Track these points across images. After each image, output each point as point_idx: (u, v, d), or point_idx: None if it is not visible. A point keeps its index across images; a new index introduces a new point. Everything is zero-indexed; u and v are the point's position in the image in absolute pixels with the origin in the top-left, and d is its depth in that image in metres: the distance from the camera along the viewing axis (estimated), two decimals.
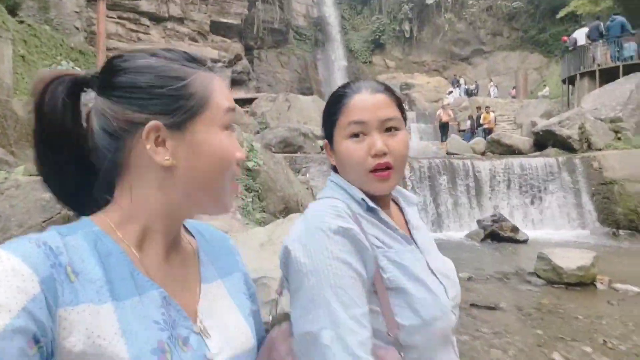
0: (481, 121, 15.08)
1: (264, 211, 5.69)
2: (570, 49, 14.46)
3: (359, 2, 28.34)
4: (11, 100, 7.51)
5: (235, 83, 20.18)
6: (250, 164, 5.99)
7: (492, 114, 15.08)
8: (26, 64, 10.54)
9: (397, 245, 0.87)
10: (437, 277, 0.88)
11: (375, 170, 0.86)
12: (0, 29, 8.44)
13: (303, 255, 0.77)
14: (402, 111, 0.92)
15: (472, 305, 4.52)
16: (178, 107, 0.60)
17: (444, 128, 15.13)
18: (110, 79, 0.60)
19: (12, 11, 13.03)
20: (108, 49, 16.61)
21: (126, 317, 0.54)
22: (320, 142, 11.49)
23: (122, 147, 0.59)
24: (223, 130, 0.63)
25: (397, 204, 1.00)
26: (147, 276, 0.59)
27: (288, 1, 24.99)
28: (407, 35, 26.67)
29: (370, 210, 0.88)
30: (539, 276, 5.41)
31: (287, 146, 9.10)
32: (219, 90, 0.63)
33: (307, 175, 8.57)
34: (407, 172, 9.10)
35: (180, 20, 19.06)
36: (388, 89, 0.92)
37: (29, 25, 11.86)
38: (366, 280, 0.79)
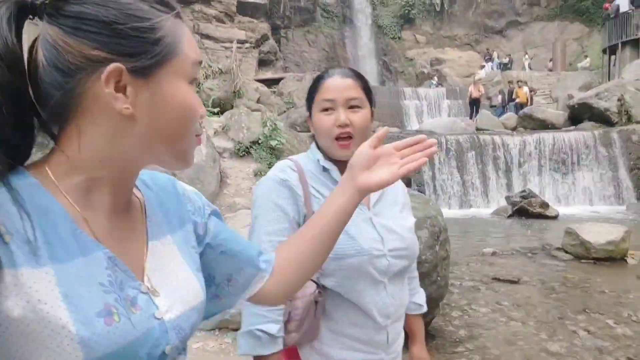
0: (513, 96, 14.56)
1: None
2: (612, 16, 13.64)
3: None
4: None
5: (262, 63, 20.25)
6: (273, 143, 6.10)
7: (525, 88, 14.52)
8: None
9: None
10: (377, 229, 1.11)
11: (338, 138, 1.09)
12: None
13: (256, 196, 1.14)
14: (368, 93, 1.15)
15: (494, 279, 4.51)
16: (144, 51, 0.54)
17: (474, 104, 14.72)
18: (64, 6, 0.53)
19: None
20: None
21: (68, 281, 0.50)
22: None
23: (74, 87, 0.53)
24: (188, 83, 0.59)
25: None
26: (91, 235, 0.55)
27: None
28: (438, 9, 25.79)
29: (324, 170, 1.14)
30: (566, 251, 5.31)
31: None
32: (187, 40, 0.59)
33: None
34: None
35: (207, 2, 19.17)
36: (357, 75, 1.15)
37: None
38: (294, 219, 1.09)
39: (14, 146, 0.53)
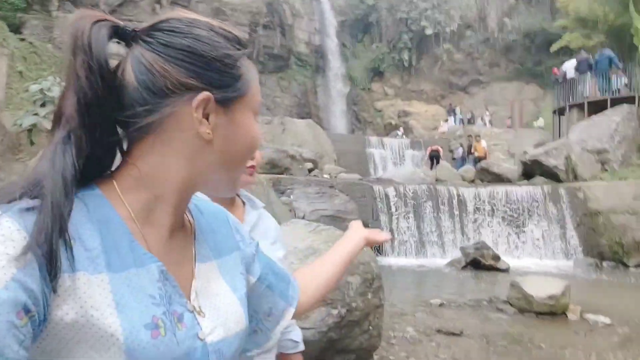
0: (472, 150, 15.17)
1: None
2: (560, 81, 14.68)
3: (360, 31, 29.00)
4: (0, 113, 7.65)
5: None
6: None
7: (483, 143, 15.18)
8: (23, 80, 10.77)
9: None
10: None
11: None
12: None
13: None
14: None
15: (438, 331, 4.46)
16: (230, 85, 0.60)
17: (434, 157, 15.22)
18: (165, 37, 0.58)
19: (17, 30, 13.41)
20: None
21: (121, 290, 0.52)
22: (309, 165, 11.60)
23: (161, 107, 0.57)
24: (255, 117, 0.65)
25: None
26: (146, 248, 0.57)
27: (290, 28, 25.60)
28: (406, 64, 27.14)
29: None
30: (511, 304, 5.34)
31: (274, 167, 9.16)
32: (256, 81, 0.65)
33: (291, 197, 8.59)
34: (392, 197, 9.12)
35: None
36: None
37: (30, 42, 12.17)
38: None
39: (97, 159, 0.57)
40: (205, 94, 0.57)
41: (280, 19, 24.61)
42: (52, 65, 12.61)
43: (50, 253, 0.47)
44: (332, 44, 27.63)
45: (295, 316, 0.83)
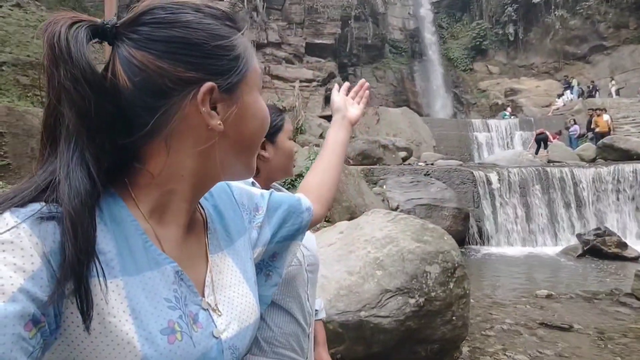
0: (592, 125, 13.41)
1: (328, 220, 5.85)
2: None
3: (457, 9, 27.38)
4: None
5: (328, 100, 20.78)
6: None
7: (605, 116, 13.32)
8: None
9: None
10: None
11: None
12: None
13: None
14: None
15: (541, 324, 4.09)
16: (231, 69, 0.56)
17: (541, 140, 13.79)
18: (152, 31, 0.53)
19: None
20: None
21: (136, 295, 0.50)
22: (402, 154, 11.34)
23: (165, 107, 0.53)
24: (259, 93, 0.62)
25: None
26: (161, 249, 0.55)
27: (383, 17, 25.19)
28: (512, 39, 24.93)
29: (253, 185, 1.23)
30: (637, 297, 4.68)
31: (366, 158, 9.16)
32: (253, 52, 0.61)
33: (385, 186, 8.53)
34: (494, 182, 8.53)
35: (278, 45, 20.41)
36: None
37: None
38: None
39: (108, 166, 0.53)
40: (208, 85, 0.54)
41: (372, 8, 24.34)
42: None
43: (81, 287, 0.45)
44: (428, 27, 26.55)
45: (314, 223, 0.88)
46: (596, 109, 13.85)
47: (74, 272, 0.45)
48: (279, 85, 19.58)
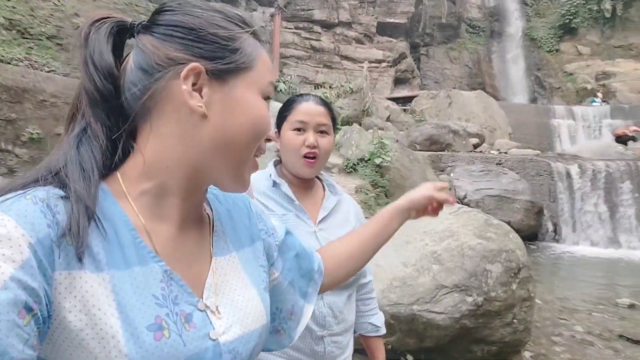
0: None
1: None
2: None
3: None
4: None
5: (399, 82, 20.27)
6: (377, 161, 6.08)
7: None
8: None
9: (283, 211, 1.21)
10: (320, 243, 1.17)
11: (306, 156, 1.19)
12: None
13: None
14: (334, 122, 1.27)
15: (620, 336, 3.70)
16: (221, 56, 0.57)
17: (622, 141, 12.29)
18: (157, 17, 0.58)
19: None
20: (284, 57, 18.67)
21: (123, 289, 0.50)
22: (474, 140, 10.73)
23: (152, 84, 0.55)
24: (262, 98, 0.61)
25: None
26: (150, 246, 0.55)
27: None
28: (608, 15, 22.41)
29: (274, 185, 1.23)
30: None
31: (434, 144, 8.80)
32: (264, 60, 0.61)
33: (452, 174, 8.16)
34: (575, 175, 7.82)
35: (348, 25, 20.08)
36: (327, 104, 1.27)
37: None
38: None
39: (108, 153, 0.57)
40: (193, 64, 0.55)
41: None
42: None
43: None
44: (510, 4, 24.67)
45: (320, 292, 0.81)
46: None
47: (78, 228, 0.48)
48: (348, 66, 19.33)
